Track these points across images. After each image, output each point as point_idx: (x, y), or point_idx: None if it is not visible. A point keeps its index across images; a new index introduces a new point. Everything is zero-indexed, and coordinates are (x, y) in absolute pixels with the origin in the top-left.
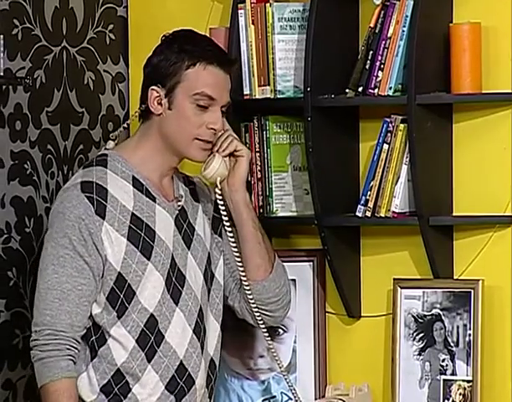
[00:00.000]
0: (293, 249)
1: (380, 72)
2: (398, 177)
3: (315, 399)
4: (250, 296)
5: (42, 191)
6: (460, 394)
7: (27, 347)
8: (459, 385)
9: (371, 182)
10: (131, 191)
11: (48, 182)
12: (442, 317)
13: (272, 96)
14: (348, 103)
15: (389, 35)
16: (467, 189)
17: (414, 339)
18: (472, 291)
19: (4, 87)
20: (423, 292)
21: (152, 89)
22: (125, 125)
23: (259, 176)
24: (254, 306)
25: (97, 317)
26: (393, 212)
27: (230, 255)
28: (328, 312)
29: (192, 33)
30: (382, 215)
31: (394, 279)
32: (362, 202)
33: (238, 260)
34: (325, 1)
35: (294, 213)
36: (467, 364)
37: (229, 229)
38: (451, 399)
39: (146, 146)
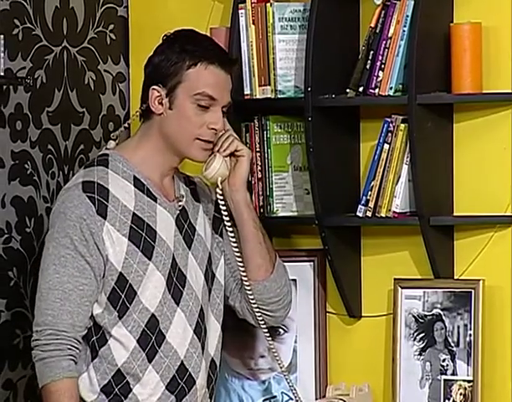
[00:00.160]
0: (293, 249)
1: (380, 72)
2: (399, 177)
3: (316, 399)
4: (251, 296)
5: (42, 191)
6: (461, 394)
7: (27, 347)
8: (460, 385)
9: (372, 182)
10: (132, 191)
11: (48, 182)
12: (443, 317)
13: (272, 96)
14: (349, 103)
15: (390, 35)
16: (467, 189)
17: (415, 339)
18: (472, 291)
19: (5, 87)
20: (424, 292)
21: (153, 88)
22: (126, 124)
23: (260, 176)
24: (255, 306)
25: (98, 318)
26: (394, 212)
27: (231, 255)
28: (328, 312)
29: (194, 33)
30: (383, 215)
31: (395, 279)
32: (363, 202)
33: (239, 260)
34: (325, 1)
35: (295, 213)
36: (467, 364)
37: (230, 229)
38: (451, 399)
39: (147, 146)
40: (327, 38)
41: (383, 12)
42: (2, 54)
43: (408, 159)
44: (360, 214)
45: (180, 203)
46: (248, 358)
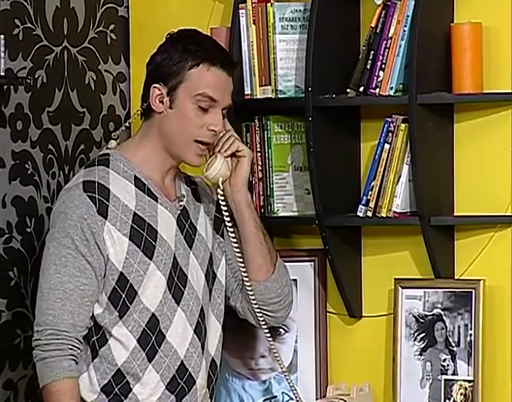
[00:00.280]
0: (294, 249)
1: (381, 72)
2: (399, 177)
3: (316, 399)
4: (252, 297)
5: (43, 191)
6: (461, 394)
7: (28, 347)
8: (460, 385)
9: (372, 182)
10: (133, 191)
11: (49, 182)
12: (444, 317)
13: (273, 96)
14: (349, 103)
15: (390, 35)
16: (468, 189)
17: (415, 339)
18: (473, 290)
19: (5, 87)
20: (424, 292)
21: (154, 86)
22: (127, 124)
23: (260, 176)
24: (256, 306)
25: (99, 317)
26: (394, 212)
27: (232, 256)
28: (329, 312)
29: (197, 34)
30: (383, 215)
31: (395, 279)
32: (363, 202)
33: (240, 260)
34: (326, 1)
35: (295, 213)
36: (468, 364)
37: (231, 229)
38: (452, 399)
39: (147, 145)
40: (328, 38)
41: (384, 12)
42: (3, 54)
43: (409, 159)
44: (360, 214)
45: (181, 203)
46: (248, 358)
